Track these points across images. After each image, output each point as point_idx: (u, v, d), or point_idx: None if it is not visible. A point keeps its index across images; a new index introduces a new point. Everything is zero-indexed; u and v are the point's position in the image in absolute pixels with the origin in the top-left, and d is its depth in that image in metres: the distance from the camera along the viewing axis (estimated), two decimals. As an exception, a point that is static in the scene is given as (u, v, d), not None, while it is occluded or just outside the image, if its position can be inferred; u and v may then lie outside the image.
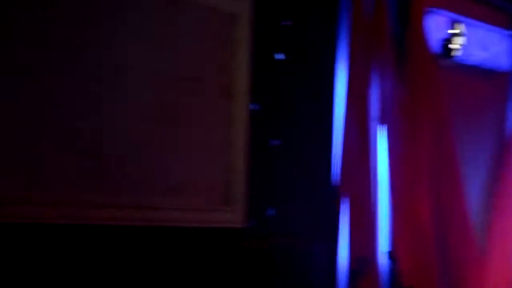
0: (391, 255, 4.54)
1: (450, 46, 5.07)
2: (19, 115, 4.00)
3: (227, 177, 4.42)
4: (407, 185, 4.63)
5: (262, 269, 4.38)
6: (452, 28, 5.09)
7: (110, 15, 4.18)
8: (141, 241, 4.21)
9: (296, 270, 4.41)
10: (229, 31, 4.45)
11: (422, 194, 4.70)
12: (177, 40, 4.34)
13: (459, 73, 5.23)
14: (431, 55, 4.80)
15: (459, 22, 5.12)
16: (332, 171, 4.55)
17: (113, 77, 4.18)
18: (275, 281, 4.40)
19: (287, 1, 4.57)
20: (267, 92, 4.49)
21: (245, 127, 4.44)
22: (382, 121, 4.54)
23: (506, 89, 5.61)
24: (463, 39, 5.11)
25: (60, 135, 4.08)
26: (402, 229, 4.59)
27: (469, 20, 5.20)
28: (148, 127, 4.26)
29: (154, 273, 4.22)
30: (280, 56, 4.53)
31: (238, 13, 4.46)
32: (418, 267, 4.61)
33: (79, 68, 4.11)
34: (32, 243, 4.02)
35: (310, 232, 4.47)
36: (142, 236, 4.22)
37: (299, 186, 4.50)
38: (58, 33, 4.08)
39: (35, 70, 4.06)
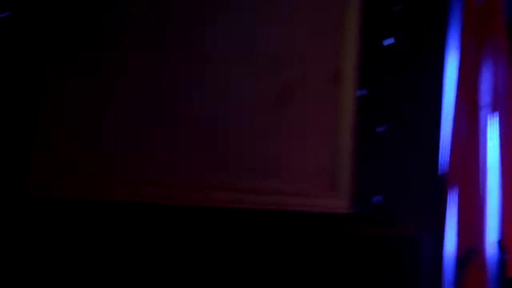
0: (501, 244, 4.44)
1: None
2: (144, 101, 4.16)
3: (334, 162, 4.42)
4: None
5: (367, 256, 4.36)
6: None
7: (228, 3, 4.24)
8: (248, 224, 4.29)
9: (401, 258, 4.37)
10: (338, 16, 4.43)
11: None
12: (287, 25, 4.35)
13: None
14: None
15: None
16: (440, 158, 4.47)
17: (226, 63, 4.25)
18: (380, 269, 4.37)
19: (397, -14, 4.51)
20: (375, 78, 4.45)
21: (352, 113, 4.42)
22: (494, 108, 4.44)
23: None
24: None
25: (180, 120, 4.20)
26: (513, 218, 4.48)
27: None
28: (260, 112, 4.35)
29: (259, 255, 4.29)
30: (389, 41, 4.47)
31: (348, -2, 4.44)
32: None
33: (196, 55, 4.21)
34: (149, 223, 4.14)
35: (416, 220, 4.41)
36: (249, 219, 4.30)
37: (406, 173, 4.45)
38: (172, 18, 4.19)
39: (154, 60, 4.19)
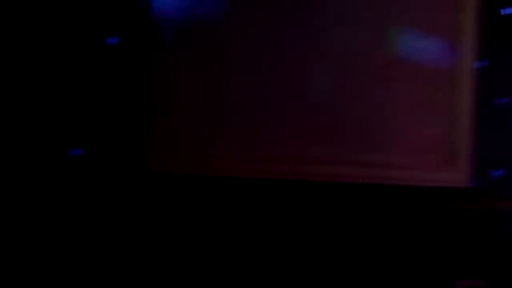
0: None
1: None
2: (259, 77, 4.16)
3: (451, 136, 4.34)
4: None
5: (486, 231, 4.30)
6: None
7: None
8: (364, 198, 4.26)
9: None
10: (456, -13, 4.33)
11: None
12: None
13: None
14: None
15: None
16: None
17: (342, 34, 4.23)
18: (499, 244, 4.30)
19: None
20: (495, 49, 4.34)
21: (471, 85, 4.33)
22: None
23: None
24: None
25: (296, 93, 4.22)
26: None
27: None
28: (375, 86, 4.27)
29: (372, 230, 4.26)
30: (508, 11, 4.35)
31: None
32: None
33: (311, 26, 4.18)
34: (261, 196, 4.17)
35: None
36: (366, 193, 4.26)
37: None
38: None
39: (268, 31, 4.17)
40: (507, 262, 4.29)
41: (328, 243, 4.23)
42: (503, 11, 4.34)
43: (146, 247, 4.15)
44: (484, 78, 4.32)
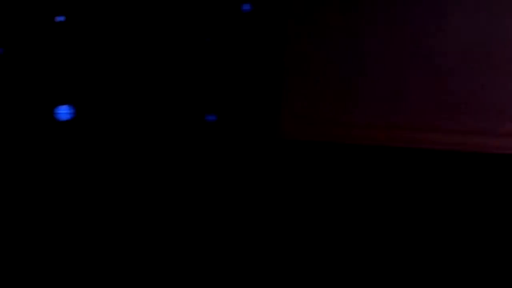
0: None
1: None
2: (392, 40, 4.22)
3: None
4: None
5: None
6: None
7: None
8: (474, 167, 4.23)
9: None
10: None
11: None
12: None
13: None
14: None
15: None
16: None
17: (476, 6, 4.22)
18: None
19: None
20: None
21: None
22: None
23: None
24: None
25: (427, 63, 4.23)
26: None
27: None
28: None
29: (486, 200, 4.20)
30: None
31: None
32: None
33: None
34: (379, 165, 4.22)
35: None
36: (494, 163, 4.24)
37: None
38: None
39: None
40: None
41: (453, 212, 4.17)
42: None
43: (277, 215, 4.17)
44: None
